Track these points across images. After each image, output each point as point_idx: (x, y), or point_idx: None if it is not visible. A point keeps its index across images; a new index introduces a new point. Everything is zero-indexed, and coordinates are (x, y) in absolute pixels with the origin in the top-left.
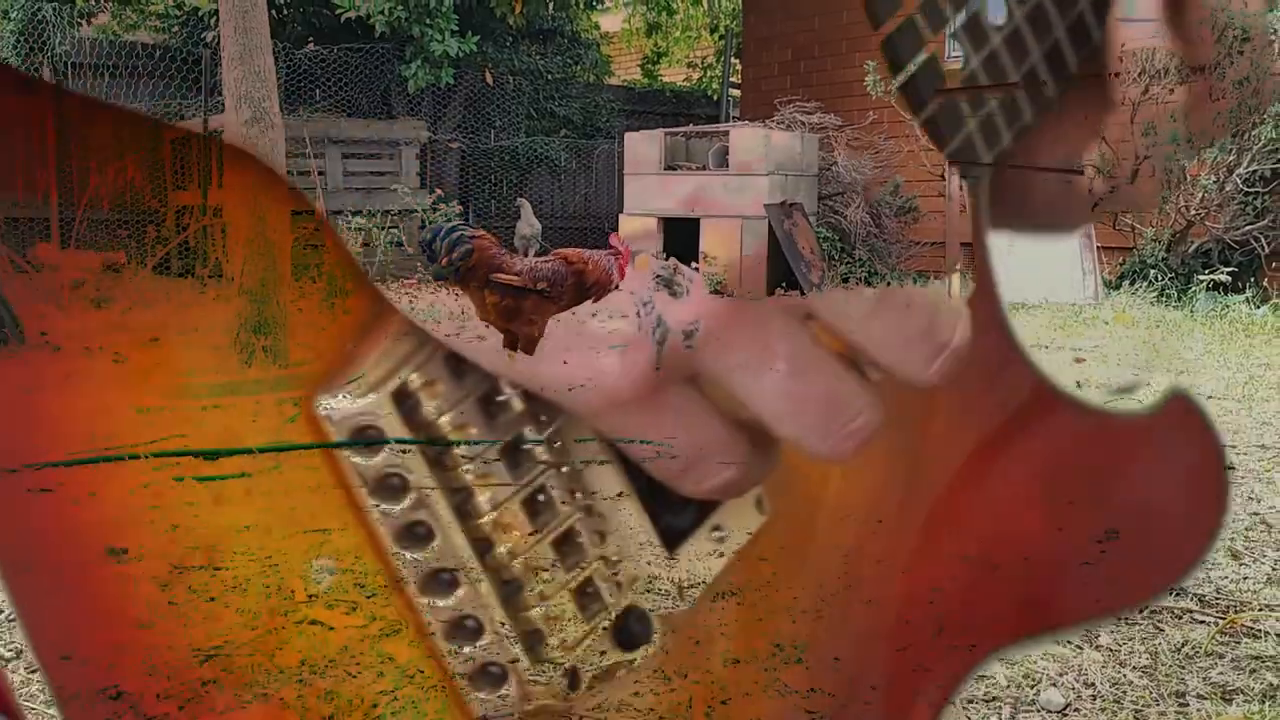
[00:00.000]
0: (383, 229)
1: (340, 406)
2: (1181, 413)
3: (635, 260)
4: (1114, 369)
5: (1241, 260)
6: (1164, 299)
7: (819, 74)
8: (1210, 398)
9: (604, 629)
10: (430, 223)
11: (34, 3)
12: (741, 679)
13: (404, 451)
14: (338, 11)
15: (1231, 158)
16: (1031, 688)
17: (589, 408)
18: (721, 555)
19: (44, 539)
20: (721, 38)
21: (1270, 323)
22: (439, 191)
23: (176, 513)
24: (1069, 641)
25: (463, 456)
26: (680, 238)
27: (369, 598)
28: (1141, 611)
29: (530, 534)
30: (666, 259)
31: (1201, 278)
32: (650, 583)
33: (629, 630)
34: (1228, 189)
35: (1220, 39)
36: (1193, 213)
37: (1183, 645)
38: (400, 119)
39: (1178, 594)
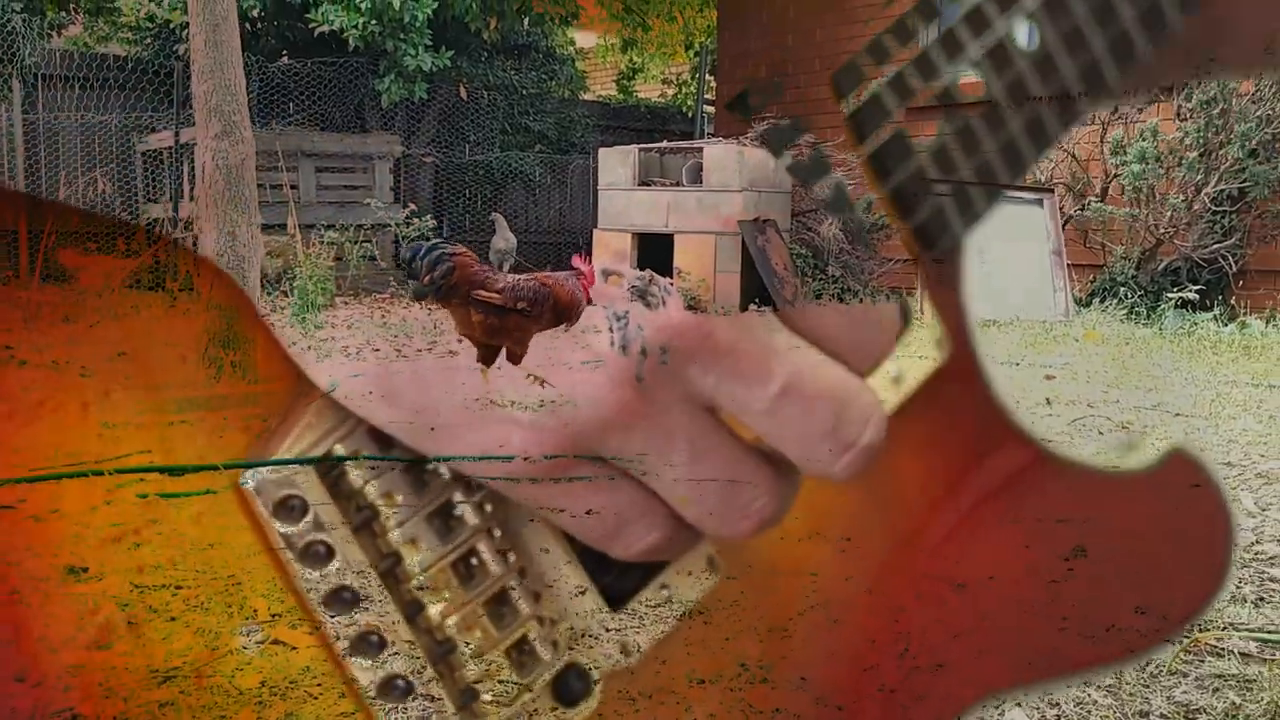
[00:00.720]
0: (355, 243)
1: (264, 478)
2: (1183, 470)
3: (608, 280)
4: (1083, 385)
5: (1209, 278)
6: (1133, 316)
7: (792, 92)
8: (1177, 415)
9: (541, 687)
10: (405, 238)
11: (3, 14)
12: None
13: (327, 522)
14: (311, 25)
15: (1200, 177)
16: (996, 708)
17: (502, 485)
18: (668, 614)
19: (3, 557)
20: (696, 55)
21: (1237, 340)
22: (412, 206)
23: (139, 530)
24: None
25: (390, 523)
26: (654, 253)
27: (333, 618)
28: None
29: (462, 597)
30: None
31: (1170, 295)
32: (593, 640)
33: (568, 687)
34: (1196, 208)
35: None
36: (1161, 231)
37: (1147, 664)
38: (374, 133)
39: (1142, 611)
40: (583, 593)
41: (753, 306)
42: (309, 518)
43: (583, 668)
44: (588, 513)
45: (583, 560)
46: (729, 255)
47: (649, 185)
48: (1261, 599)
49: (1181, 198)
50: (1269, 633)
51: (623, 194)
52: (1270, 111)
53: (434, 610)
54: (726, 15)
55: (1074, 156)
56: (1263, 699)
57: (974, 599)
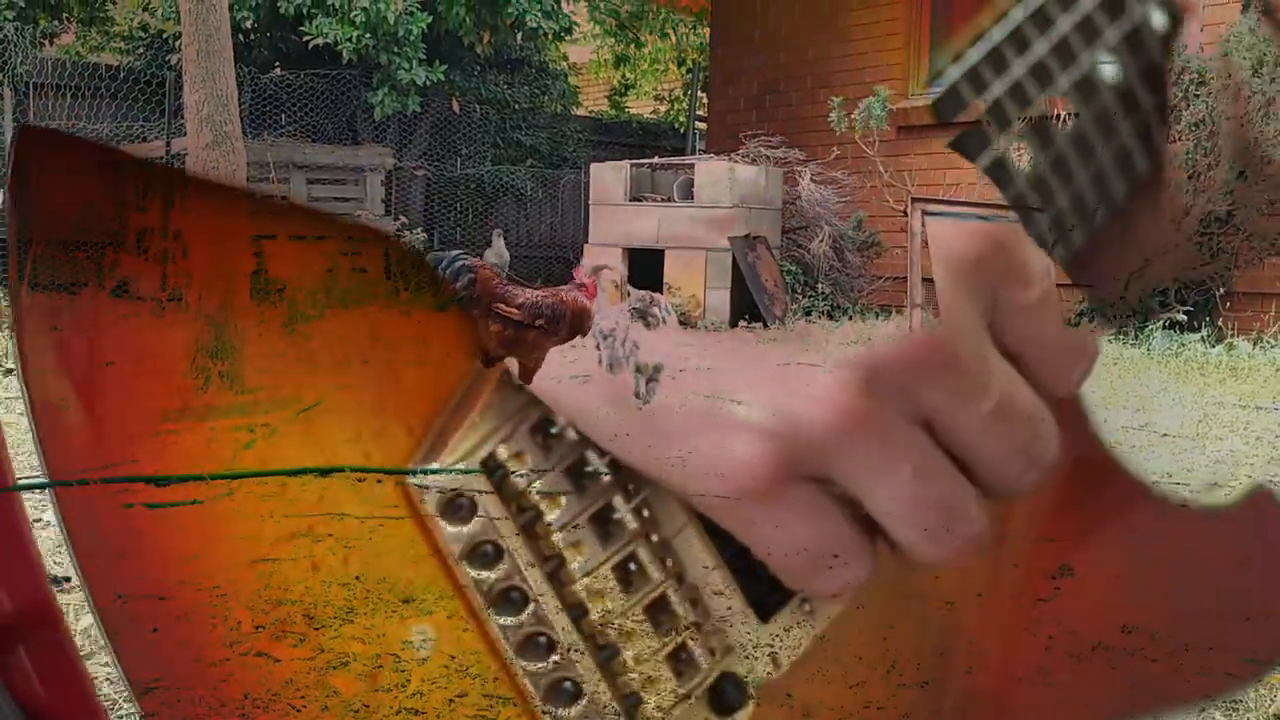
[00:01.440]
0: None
1: (431, 478)
2: (1267, 507)
3: (598, 274)
4: None
5: (1197, 299)
6: (1121, 336)
7: (784, 109)
8: (1165, 435)
9: (699, 695)
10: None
11: None
12: None
13: (495, 520)
14: (305, 38)
15: (1188, 198)
16: None
17: (710, 503)
18: (812, 626)
19: None
20: (689, 71)
21: (1225, 361)
22: (403, 219)
23: (123, 540)
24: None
25: (551, 525)
26: (644, 268)
27: (316, 629)
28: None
29: (623, 602)
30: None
31: (1158, 316)
32: (745, 650)
33: (724, 696)
34: (1184, 229)
35: (1176, 82)
36: (1149, 252)
37: None
38: (366, 145)
39: (1129, 631)
40: (731, 603)
41: (742, 323)
42: (479, 516)
43: (739, 677)
44: (800, 550)
45: (732, 569)
46: (719, 271)
47: (640, 201)
48: (1248, 619)
49: (1170, 219)
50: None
51: (614, 209)
52: (1258, 134)
53: (596, 614)
54: (719, 32)
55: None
56: None
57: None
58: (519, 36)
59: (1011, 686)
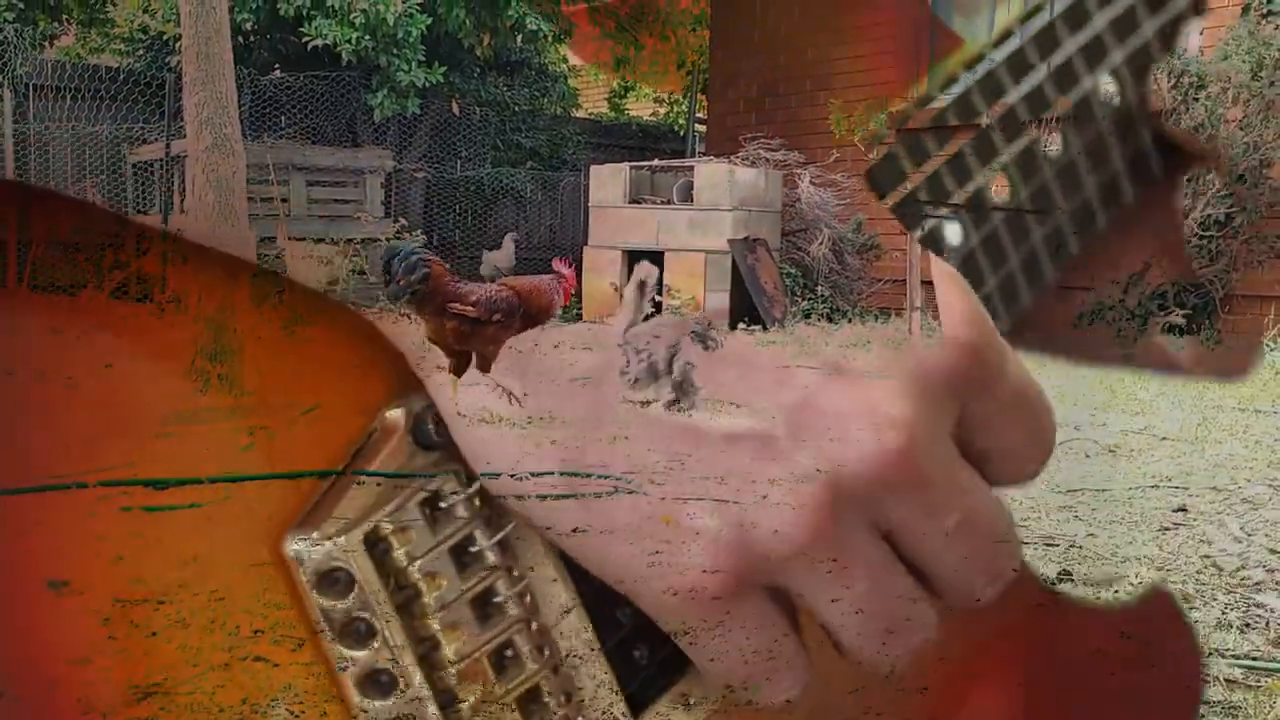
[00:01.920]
0: (345, 257)
1: (309, 548)
2: (1162, 608)
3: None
4: (1071, 408)
5: (1196, 303)
6: (1121, 339)
7: (783, 111)
8: (1164, 439)
9: None
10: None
11: None
12: None
13: (370, 595)
14: (304, 39)
15: (1187, 201)
16: None
17: (658, 608)
18: None
19: None
20: (689, 73)
21: None
22: (403, 221)
23: (122, 544)
24: None
25: (430, 605)
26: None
27: (316, 634)
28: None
29: (497, 688)
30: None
31: (1157, 319)
32: None
33: None
34: (1183, 232)
35: (1176, 85)
36: (1149, 255)
37: None
38: (365, 147)
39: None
40: (605, 694)
41: (741, 326)
42: (354, 594)
43: None
44: (742, 660)
45: (610, 658)
46: (719, 273)
47: (640, 203)
48: (1247, 625)
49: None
50: (1254, 659)
51: (613, 211)
52: (1258, 137)
53: (468, 702)
54: (719, 34)
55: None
56: None
57: None
58: (519, 38)
59: None
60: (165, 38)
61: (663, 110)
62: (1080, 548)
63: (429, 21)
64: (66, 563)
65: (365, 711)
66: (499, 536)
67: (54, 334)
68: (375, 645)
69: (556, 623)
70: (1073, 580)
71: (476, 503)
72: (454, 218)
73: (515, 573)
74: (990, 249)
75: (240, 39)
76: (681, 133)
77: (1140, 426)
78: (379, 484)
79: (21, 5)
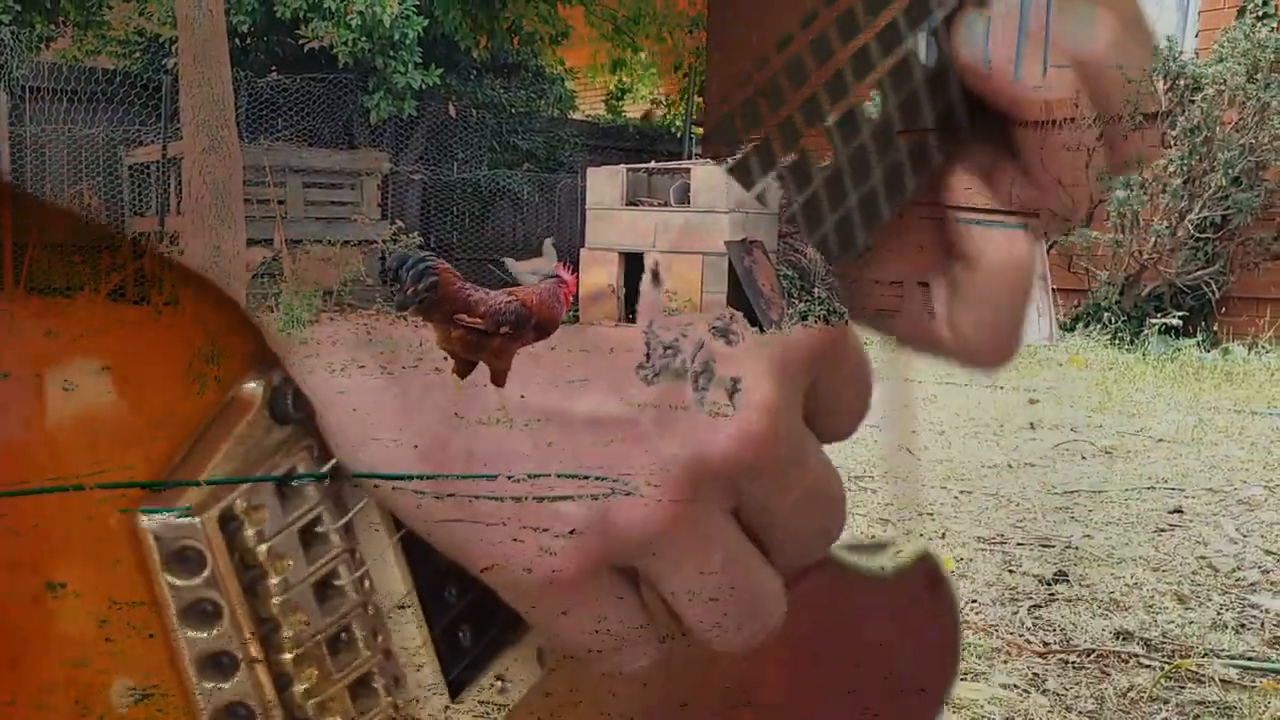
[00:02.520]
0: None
1: (163, 521)
2: (926, 572)
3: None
4: (1067, 410)
5: (1193, 304)
6: (1117, 341)
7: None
8: (1161, 441)
9: None
10: (389, 254)
11: None
12: None
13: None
14: (301, 41)
15: (1183, 204)
16: None
17: (513, 592)
18: (504, 707)
19: None
20: (685, 76)
21: (1220, 366)
22: (399, 223)
23: (120, 546)
24: (1015, 686)
25: (275, 586)
26: (640, 272)
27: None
28: (1088, 656)
29: (330, 675)
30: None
31: (1153, 321)
32: None
33: None
34: (1179, 234)
35: (1172, 88)
36: (1145, 257)
37: (1128, 690)
38: (362, 149)
39: (1124, 638)
40: (429, 678)
41: None
42: (205, 573)
43: None
44: (589, 638)
45: (438, 646)
46: (716, 275)
47: (637, 205)
48: (1243, 625)
49: (1165, 224)
50: (1250, 659)
51: (610, 213)
52: (1253, 140)
53: (301, 686)
54: (715, 37)
55: (1059, 182)
56: None
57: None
58: (515, 40)
59: None
60: (162, 40)
61: (659, 112)
62: (1076, 549)
63: (425, 23)
64: (62, 565)
65: (203, 693)
66: (345, 519)
67: (50, 336)
68: (221, 626)
69: (391, 607)
70: (1068, 581)
71: (327, 483)
72: (451, 220)
73: (357, 555)
74: (810, 210)
75: (237, 41)
76: (678, 135)
77: (1136, 428)
78: (235, 461)
79: (18, 8)
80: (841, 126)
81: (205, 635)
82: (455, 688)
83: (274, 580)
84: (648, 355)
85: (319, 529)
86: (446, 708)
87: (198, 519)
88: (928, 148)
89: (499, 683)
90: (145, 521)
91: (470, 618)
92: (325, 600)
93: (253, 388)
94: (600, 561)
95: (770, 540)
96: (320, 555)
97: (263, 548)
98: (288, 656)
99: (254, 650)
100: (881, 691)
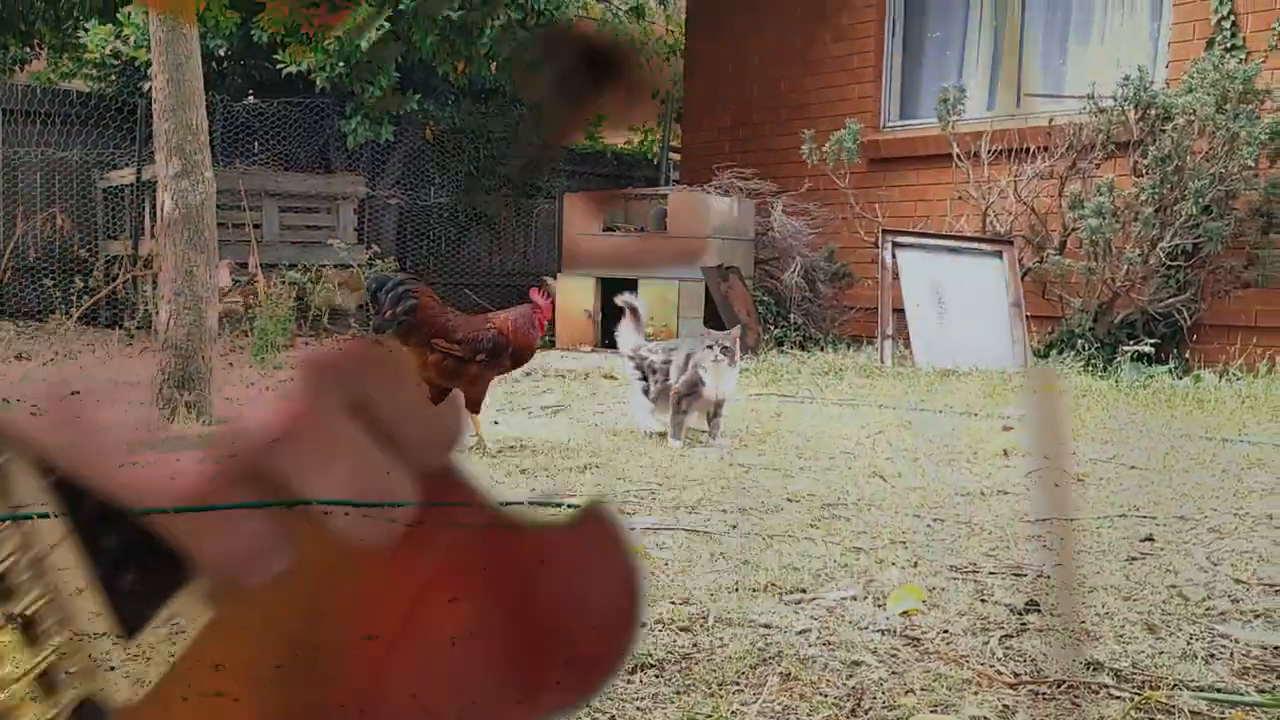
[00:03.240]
0: (317, 284)
1: None
2: (598, 520)
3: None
4: (1038, 436)
5: (1165, 332)
6: (1090, 368)
7: (757, 140)
8: (1133, 468)
9: None
10: (366, 278)
11: None
12: None
13: None
14: (278, 66)
15: (1155, 232)
16: None
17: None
18: (175, 644)
19: None
20: (663, 102)
21: (1192, 393)
22: (375, 247)
23: (86, 575)
24: (985, 718)
25: None
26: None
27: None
28: (1058, 687)
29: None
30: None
31: (1126, 348)
32: (109, 671)
33: None
34: (1151, 262)
35: (1143, 118)
36: (1118, 284)
37: None
38: (338, 174)
39: (1094, 668)
40: (99, 617)
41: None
42: None
43: (98, 703)
44: (228, 550)
45: (104, 584)
46: (692, 301)
47: (614, 231)
48: (1212, 655)
49: (1138, 252)
50: (1219, 691)
51: (587, 239)
52: (1223, 169)
53: None
54: (693, 65)
55: (1033, 210)
56: None
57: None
58: (493, 66)
59: (381, 685)
60: (137, 63)
61: (637, 139)
62: (1048, 577)
63: (403, 49)
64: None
65: None
66: None
67: (20, 360)
68: None
69: (48, 553)
70: (1040, 610)
71: None
72: (427, 244)
73: (13, 503)
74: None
75: (214, 65)
76: (656, 161)
77: (1109, 455)
78: None
79: None
80: None
81: None
82: (130, 629)
83: None
84: (646, 378)
85: None
86: (115, 644)
87: None
88: None
89: (174, 621)
90: None
91: (135, 559)
92: None
93: None
94: (234, 470)
95: (397, 440)
96: None
97: None
98: None
99: None
100: (525, 644)
